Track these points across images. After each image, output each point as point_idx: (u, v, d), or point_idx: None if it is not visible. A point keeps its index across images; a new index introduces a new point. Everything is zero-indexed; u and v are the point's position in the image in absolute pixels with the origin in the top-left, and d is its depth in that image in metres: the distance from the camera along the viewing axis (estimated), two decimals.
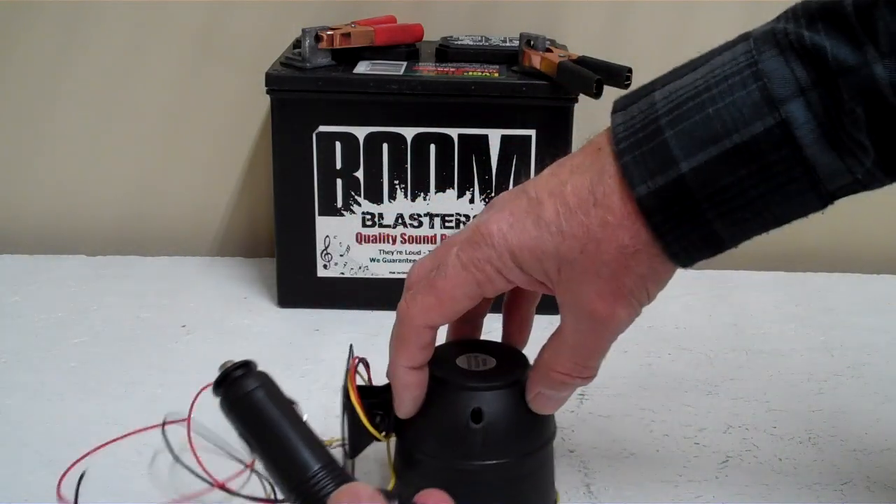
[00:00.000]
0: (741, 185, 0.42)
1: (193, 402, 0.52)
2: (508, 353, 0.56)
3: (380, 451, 0.57)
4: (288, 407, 0.41)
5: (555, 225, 0.46)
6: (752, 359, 0.79)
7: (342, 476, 0.37)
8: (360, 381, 0.55)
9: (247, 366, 0.42)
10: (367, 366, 0.56)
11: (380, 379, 0.55)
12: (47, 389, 0.72)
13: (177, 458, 0.50)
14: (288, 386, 0.53)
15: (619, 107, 0.47)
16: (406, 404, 0.52)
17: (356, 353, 0.55)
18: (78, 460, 0.62)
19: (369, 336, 0.79)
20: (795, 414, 0.70)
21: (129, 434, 0.64)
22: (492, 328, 0.59)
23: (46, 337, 0.81)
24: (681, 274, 0.93)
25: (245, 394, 0.41)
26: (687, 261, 0.46)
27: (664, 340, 0.82)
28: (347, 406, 0.54)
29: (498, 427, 0.52)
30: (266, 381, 0.42)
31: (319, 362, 0.77)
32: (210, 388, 0.44)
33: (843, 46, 0.41)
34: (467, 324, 0.57)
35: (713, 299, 0.90)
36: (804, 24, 0.42)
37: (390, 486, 0.57)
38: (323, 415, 0.66)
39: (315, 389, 0.72)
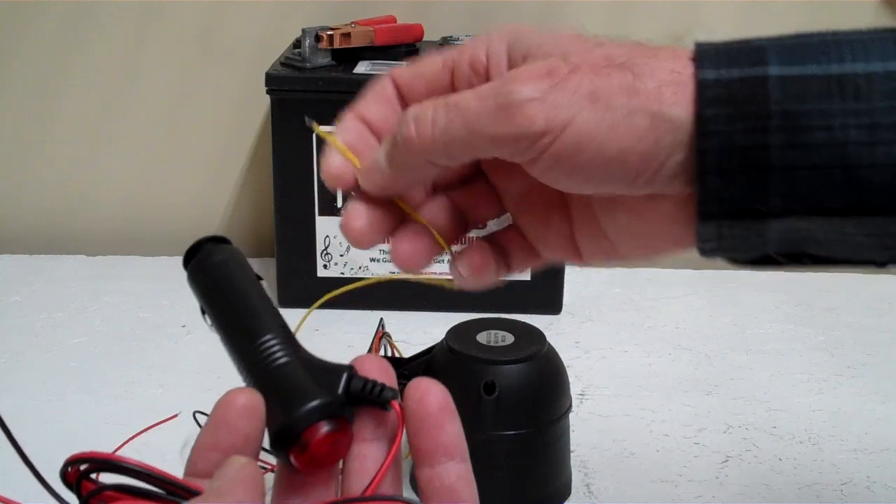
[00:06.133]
0: (830, 118, 0.32)
1: None
2: (527, 331, 0.59)
3: None
4: (252, 280, 0.40)
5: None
6: (752, 359, 0.79)
7: (294, 348, 0.36)
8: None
9: (218, 240, 0.42)
10: (391, 339, 0.60)
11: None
12: (47, 389, 0.72)
13: None
14: None
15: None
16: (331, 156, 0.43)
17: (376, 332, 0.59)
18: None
19: (369, 336, 0.79)
20: (795, 414, 0.70)
21: (133, 437, 0.65)
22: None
23: (46, 337, 0.81)
24: (681, 274, 0.94)
25: (211, 263, 0.40)
26: (712, 202, 0.34)
27: (664, 340, 0.82)
28: None
29: (510, 400, 0.55)
30: (234, 255, 0.41)
31: None
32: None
33: None
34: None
35: (713, 299, 0.90)
36: None
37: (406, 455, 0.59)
38: None
39: None
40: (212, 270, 0.40)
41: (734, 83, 0.33)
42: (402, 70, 0.42)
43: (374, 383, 0.34)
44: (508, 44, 0.39)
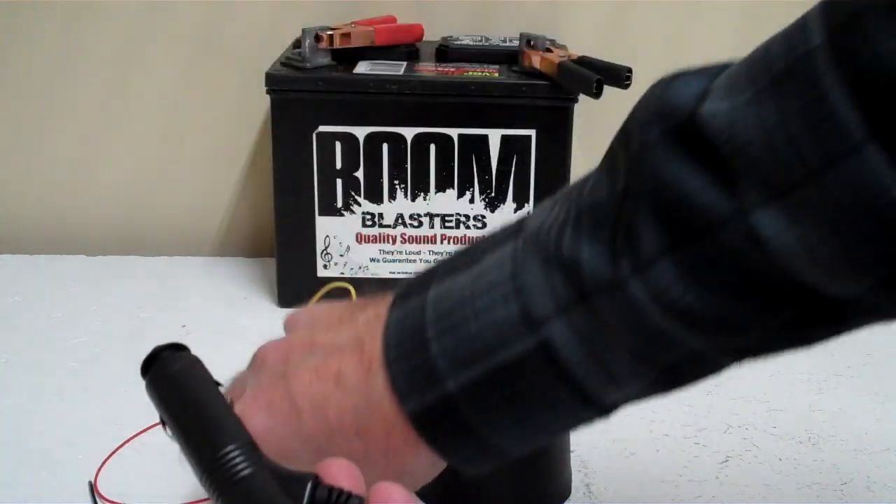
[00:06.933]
0: (510, 403, 0.39)
1: None
2: None
3: None
4: (212, 388, 0.40)
5: (315, 442, 0.42)
6: None
7: (257, 459, 0.36)
8: None
9: (174, 348, 0.42)
10: None
11: None
12: (47, 389, 0.72)
13: None
14: None
15: (398, 298, 0.43)
16: None
17: None
18: (106, 460, 0.62)
19: None
20: (795, 414, 0.70)
21: (133, 437, 0.65)
22: None
23: (46, 337, 0.81)
24: None
25: (169, 373, 0.40)
26: (476, 468, 0.42)
27: None
28: None
29: None
30: (192, 363, 0.41)
31: None
32: None
33: (599, 258, 0.37)
34: None
35: None
36: (571, 223, 0.38)
37: None
38: None
39: None
40: (170, 381, 0.40)
41: (434, 413, 0.40)
42: None
43: (340, 492, 0.34)
44: None
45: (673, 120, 0.35)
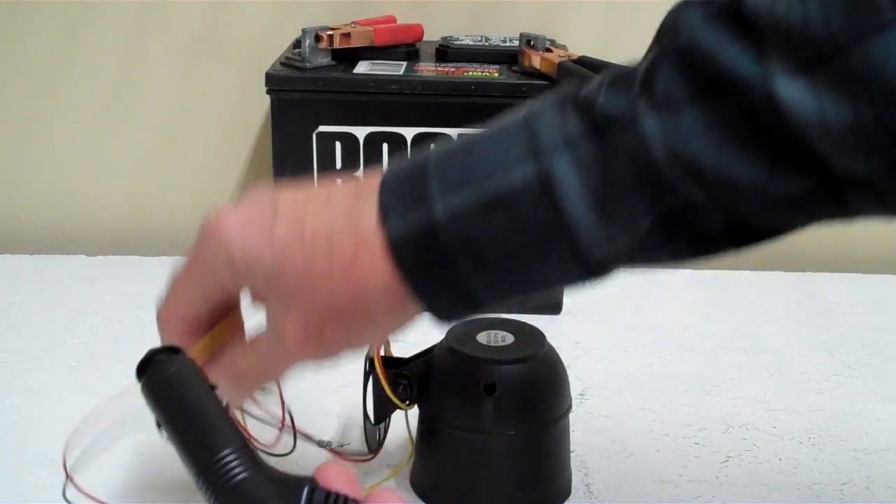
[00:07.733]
0: (496, 236, 0.39)
1: None
2: (526, 331, 0.59)
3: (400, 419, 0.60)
4: (207, 392, 0.40)
5: (281, 244, 0.42)
6: (752, 359, 0.79)
7: (253, 462, 0.36)
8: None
9: (170, 350, 0.42)
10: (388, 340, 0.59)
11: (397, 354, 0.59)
12: (47, 389, 0.72)
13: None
14: (286, 386, 0.53)
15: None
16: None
17: None
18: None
19: None
20: (795, 414, 0.70)
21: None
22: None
23: (46, 337, 0.81)
24: (681, 274, 0.94)
25: (165, 376, 0.40)
26: (444, 314, 0.42)
27: (664, 340, 0.82)
28: (372, 374, 0.57)
29: (510, 400, 0.55)
30: (187, 366, 0.42)
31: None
32: None
33: (613, 97, 0.38)
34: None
35: (713, 299, 0.90)
36: (596, 82, 0.40)
37: (409, 457, 0.60)
38: (322, 414, 0.66)
39: (314, 391, 0.72)
40: (166, 384, 0.40)
41: (415, 234, 0.39)
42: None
43: (337, 496, 0.34)
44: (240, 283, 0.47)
45: (717, 2, 0.37)
